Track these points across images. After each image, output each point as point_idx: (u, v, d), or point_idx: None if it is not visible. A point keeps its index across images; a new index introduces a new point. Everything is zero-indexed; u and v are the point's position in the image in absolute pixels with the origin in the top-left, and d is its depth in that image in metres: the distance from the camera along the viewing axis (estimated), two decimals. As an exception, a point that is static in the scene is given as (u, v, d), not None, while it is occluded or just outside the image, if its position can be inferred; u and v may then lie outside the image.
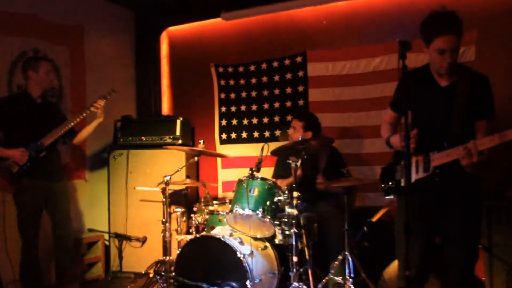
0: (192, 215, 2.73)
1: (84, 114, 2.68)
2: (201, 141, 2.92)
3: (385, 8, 3.07)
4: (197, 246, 2.38)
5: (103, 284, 3.16)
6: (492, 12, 2.75)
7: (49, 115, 2.68)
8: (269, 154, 2.39)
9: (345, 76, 3.17)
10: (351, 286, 2.33)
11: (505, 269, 2.20)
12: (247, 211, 2.28)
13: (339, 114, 3.19)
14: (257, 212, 2.27)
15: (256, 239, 2.42)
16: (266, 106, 3.50)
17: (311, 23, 3.32)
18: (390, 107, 2.03)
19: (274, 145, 2.46)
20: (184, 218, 2.86)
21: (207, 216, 2.68)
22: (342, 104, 3.18)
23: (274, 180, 2.49)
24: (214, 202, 2.87)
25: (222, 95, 3.65)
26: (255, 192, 2.32)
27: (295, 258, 2.23)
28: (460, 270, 1.77)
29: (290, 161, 2.31)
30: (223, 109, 3.65)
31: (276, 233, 2.35)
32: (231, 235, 2.37)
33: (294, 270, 2.23)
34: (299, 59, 3.34)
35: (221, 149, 3.63)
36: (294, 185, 2.32)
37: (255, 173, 2.35)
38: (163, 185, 2.65)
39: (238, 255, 2.22)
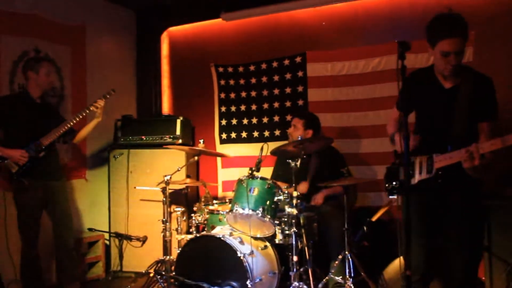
0: (192, 214, 2.73)
1: (84, 114, 2.69)
2: (201, 141, 2.93)
3: (384, 9, 3.09)
4: (197, 245, 2.39)
5: (103, 284, 3.17)
6: (489, 13, 2.77)
7: (49, 115, 2.69)
8: (268, 153, 2.41)
9: (344, 77, 3.19)
10: (351, 285, 2.34)
11: (505, 268, 2.20)
12: (247, 211, 2.28)
13: (338, 114, 3.21)
14: (257, 211, 2.28)
15: (256, 238, 2.43)
16: (265, 106, 3.51)
17: (310, 24, 3.34)
18: (396, 107, 2.04)
19: (273, 145, 2.47)
20: (184, 218, 2.86)
21: (207, 216, 2.69)
22: (341, 104, 3.20)
23: (274, 180, 2.50)
24: (214, 201, 2.87)
25: (222, 95, 3.66)
26: (255, 192, 2.33)
27: (295, 258, 2.24)
28: (463, 271, 1.78)
29: (290, 161, 2.32)
30: (223, 108, 3.66)
31: (276, 232, 2.36)
32: (231, 234, 2.37)
33: (294, 270, 2.25)
34: (298, 59, 3.36)
35: (221, 148, 3.64)
36: (294, 184, 2.33)
37: (255, 172, 2.36)
38: (163, 185, 2.66)
39: (239, 254, 2.23)
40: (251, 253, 2.28)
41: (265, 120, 3.52)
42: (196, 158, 2.90)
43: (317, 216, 2.58)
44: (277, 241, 2.37)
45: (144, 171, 3.33)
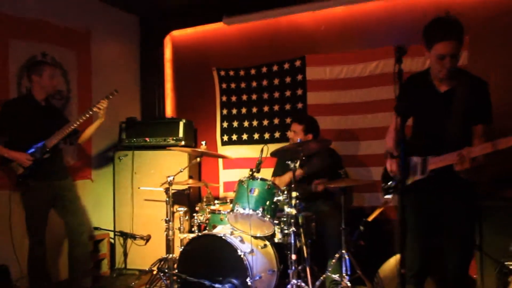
0: (194, 214, 2.77)
1: (87, 115, 2.71)
2: (203, 143, 2.93)
3: (381, 14, 3.12)
4: (199, 244, 2.42)
5: (108, 281, 3.20)
6: (484, 17, 2.80)
7: (53, 117, 2.72)
8: (268, 155, 2.44)
9: (342, 80, 3.22)
10: (348, 283, 2.37)
11: (495, 267, 2.23)
12: (248, 211, 2.32)
13: (337, 116, 3.24)
14: (257, 211, 2.32)
15: (256, 237, 2.46)
16: (266, 108, 3.55)
17: (310, 28, 3.37)
18: (395, 112, 2.02)
19: (273, 147, 2.50)
20: (187, 217, 2.88)
21: (209, 215, 2.71)
22: (339, 107, 3.23)
23: (272, 179, 2.54)
24: (216, 201, 2.90)
25: (224, 98, 3.70)
26: (255, 192, 2.36)
27: (293, 256, 2.27)
28: (455, 269, 1.82)
29: (289, 162, 2.37)
30: (225, 111, 3.70)
31: (276, 232, 2.40)
32: (232, 233, 2.41)
33: (293, 268, 2.28)
34: (298, 63, 3.39)
35: (222, 150, 3.67)
36: (293, 185, 2.38)
37: (255, 173, 2.40)
38: (166, 185, 2.69)
39: (239, 253, 2.27)
40: (251, 251, 2.32)
41: (265, 122, 3.56)
42: (198, 159, 2.92)
43: (315, 216, 2.60)
44: (276, 240, 2.40)
45: (148, 172, 3.36)
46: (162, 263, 2.79)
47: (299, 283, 2.27)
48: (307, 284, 2.31)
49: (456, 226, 1.80)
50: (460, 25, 1.70)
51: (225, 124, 3.71)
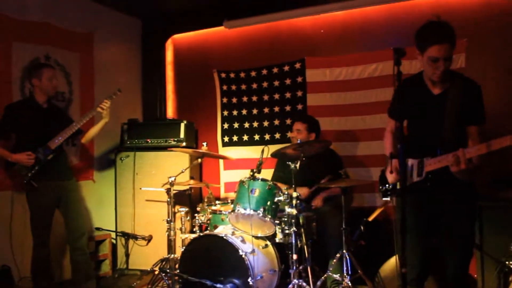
0: (195, 214, 2.78)
1: (90, 116, 2.73)
2: (205, 144, 2.96)
3: (380, 17, 3.15)
4: (200, 244, 2.44)
5: (110, 281, 3.21)
6: (481, 21, 2.83)
7: (56, 119, 2.73)
8: (269, 156, 2.46)
9: (342, 82, 3.25)
10: (349, 283, 2.37)
11: (496, 266, 2.24)
12: (249, 211, 2.33)
13: (336, 118, 3.26)
14: (258, 211, 2.33)
15: (257, 237, 2.47)
16: (266, 110, 3.57)
17: (309, 31, 3.40)
18: (389, 115, 2.08)
19: (274, 148, 2.53)
20: (188, 218, 2.89)
21: (210, 216, 2.72)
22: (339, 109, 3.26)
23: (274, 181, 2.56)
24: (217, 202, 2.90)
25: (224, 100, 3.73)
26: (256, 193, 2.38)
27: (294, 256, 2.29)
28: (455, 268, 1.83)
29: (289, 163, 2.39)
30: (225, 113, 3.73)
31: (277, 232, 2.41)
32: (233, 234, 2.42)
33: (294, 268, 2.29)
34: (298, 65, 3.42)
35: (223, 151, 3.69)
36: (293, 186, 2.41)
37: (256, 174, 2.41)
38: (168, 186, 2.71)
39: (240, 253, 2.28)
40: (253, 251, 2.33)
41: (265, 124, 3.58)
42: (199, 160, 2.95)
43: (316, 216, 2.62)
44: (277, 240, 2.42)
45: (150, 173, 3.38)
46: (163, 263, 2.80)
47: (300, 283, 2.29)
48: (308, 284, 2.32)
49: (456, 226, 1.81)
50: (452, 28, 1.72)
51: (226, 125, 3.73)
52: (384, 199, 2.00)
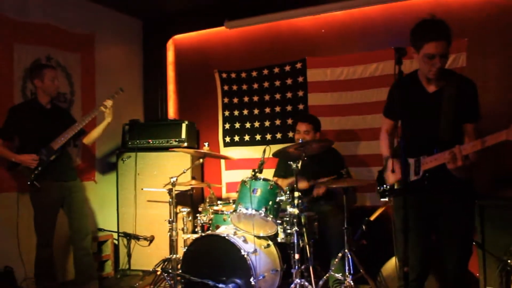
0: (197, 214, 2.78)
1: (93, 116, 2.74)
2: (206, 144, 2.96)
3: (380, 17, 3.16)
4: (202, 244, 2.45)
5: (112, 282, 3.22)
6: (482, 20, 2.83)
7: (60, 120, 2.75)
8: (270, 156, 2.47)
9: (343, 82, 3.25)
10: (351, 282, 2.38)
11: (498, 265, 2.24)
12: (251, 211, 2.34)
13: (337, 117, 3.27)
14: (260, 211, 2.34)
15: (259, 237, 2.48)
16: (267, 110, 3.58)
17: (310, 31, 3.41)
18: (384, 115, 2.09)
19: (275, 148, 2.53)
20: (190, 218, 2.90)
21: (212, 216, 2.73)
22: (340, 108, 3.26)
23: (275, 179, 2.57)
24: (219, 202, 2.92)
25: (226, 100, 3.74)
26: (258, 193, 2.39)
27: (296, 256, 2.29)
28: (455, 266, 1.83)
29: (291, 162, 2.39)
30: (227, 113, 3.73)
31: (279, 231, 2.42)
32: (235, 234, 2.42)
33: (296, 267, 2.29)
34: (299, 65, 3.43)
35: (224, 151, 3.70)
36: (295, 185, 2.40)
37: (257, 174, 2.42)
38: (169, 186, 2.71)
39: (242, 253, 2.29)
40: (255, 251, 2.33)
41: (267, 123, 3.59)
42: (201, 160, 2.94)
43: (318, 215, 2.62)
44: (279, 239, 2.42)
45: (151, 173, 3.39)
46: (165, 263, 2.81)
47: (302, 283, 2.29)
48: (310, 283, 2.32)
49: (455, 225, 1.82)
50: (447, 26, 1.73)
51: (227, 126, 3.74)
52: (382, 200, 2.00)
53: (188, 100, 3.99)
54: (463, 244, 1.84)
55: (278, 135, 3.54)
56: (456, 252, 1.83)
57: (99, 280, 2.99)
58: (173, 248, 2.72)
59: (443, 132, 1.78)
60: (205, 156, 2.95)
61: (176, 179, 2.72)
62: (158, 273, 2.80)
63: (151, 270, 2.93)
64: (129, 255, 3.33)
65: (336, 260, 2.48)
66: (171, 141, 3.40)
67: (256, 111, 3.63)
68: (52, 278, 2.72)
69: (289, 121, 3.47)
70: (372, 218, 2.58)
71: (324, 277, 2.48)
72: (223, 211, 2.73)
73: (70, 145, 2.86)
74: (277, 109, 3.54)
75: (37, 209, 2.65)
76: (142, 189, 3.32)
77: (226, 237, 2.36)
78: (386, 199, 1.99)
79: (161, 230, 3.17)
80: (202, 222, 2.75)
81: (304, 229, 2.35)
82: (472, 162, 1.67)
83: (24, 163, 2.54)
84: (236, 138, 3.70)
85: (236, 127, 3.70)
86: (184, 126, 3.41)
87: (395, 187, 1.92)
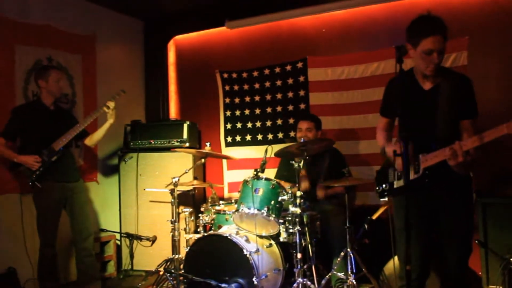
0: (199, 214, 2.79)
1: (94, 116, 2.74)
2: (208, 144, 2.97)
3: (381, 16, 3.16)
4: (205, 244, 2.45)
5: (115, 282, 3.22)
6: (483, 19, 2.83)
7: (63, 121, 2.75)
8: (272, 155, 2.47)
9: (344, 81, 3.26)
10: (353, 281, 2.38)
11: (500, 263, 2.25)
12: (253, 210, 2.35)
13: (339, 116, 3.27)
14: (262, 211, 2.34)
15: (261, 237, 2.48)
16: (269, 110, 3.58)
17: (311, 30, 3.41)
18: (381, 114, 2.08)
19: (277, 147, 2.53)
20: (192, 218, 2.91)
21: (214, 216, 2.74)
22: (341, 107, 3.26)
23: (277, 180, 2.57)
24: (221, 202, 2.92)
25: (227, 100, 3.74)
26: (260, 192, 2.39)
27: (299, 255, 2.29)
28: (456, 263, 1.83)
29: (293, 162, 2.39)
30: (228, 113, 3.74)
31: (281, 231, 2.42)
32: (237, 233, 2.43)
33: (299, 267, 2.30)
34: (300, 65, 3.43)
35: (226, 151, 3.70)
36: (297, 185, 2.40)
37: (259, 174, 2.43)
38: (171, 186, 2.72)
39: (245, 252, 2.29)
40: (257, 251, 2.34)
41: (268, 123, 3.59)
42: (202, 160, 2.95)
43: (320, 214, 2.62)
44: (281, 239, 2.43)
45: (153, 174, 3.39)
46: (168, 263, 2.82)
47: (304, 282, 2.29)
48: (313, 282, 2.33)
49: (455, 222, 1.81)
50: (443, 22, 1.73)
51: (228, 126, 3.74)
52: (381, 199, 2.00)
53: (190, 101, 3.99)
54: (463, 241, 1.84)
55: (280, 135, 3.55)
56: (457, 249, 1.83)
57: (101, 280, 3.00)
58: (175, 248, 2.73)
59: (441, 128, 1.77)
60: (207, 156, 2.95)
61: (178, 179, 2.72)
62: (161, 273, 2.81)
63: (153, 270, 2.93)
64: (131, 256, 3.34)
65: (339, 259, 2.48)
66: (173, 142, 3.40)
67: (257, 111, 3.63)
68: (55, 279, 2.73)
69: (291, 121, 3.48)
70: (374, 217, 2.58)
71: (327, 276, 2.48)
72: (225, 211, 2.74)
73: (72, 145, 2.87)
74: (279, 108, 3.55)
75: (39, 210, 2.65)
76: (144, 189, 3.33)
77: (228, 237, 2.37)
78: (386, 199, 1.98)
79: (164, 230, 3.19)
80: (204, 222, 2.76)
81: (306, 229, 2.36)
82: (473, 158, 1.65)
83: (26, 164, 2.55)
84: (238, 138, 3.71)
85: (237, 127, 3.71)
86: (185, 126, 3.42)
87: (395, 186, 1.92)
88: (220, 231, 2.54)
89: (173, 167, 3.30)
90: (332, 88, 3.31)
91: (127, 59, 3.92)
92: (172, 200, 2.74)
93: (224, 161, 3.74)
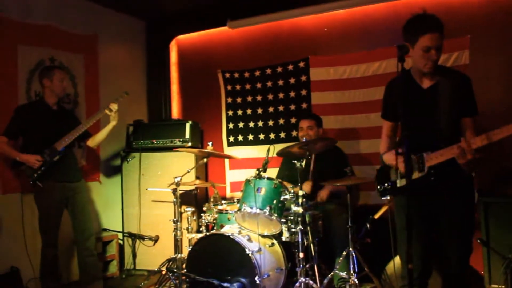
0: (202, 214, 2.80)
1: (97, 118, 2.75)
2: (210, 143, 2.98)
3: (383, 15, 3.16)
4: (207, 244, 2.46)
5: (118, 282, 3.24)
6: (485, 18, 2.83)
7: (65, 121, 2.76)
8: (274, 155, 2.48)
9: (346, 80, 3.26)
10: (355, 280, 2.38)
11: (502, 263, 2.25)
12: (255, 210, 2.35)
13: (341, 116, 3.27)
14: (265, 210, 2.34)
15: (263, 236, 2.48)
16: (271, 109, 3.59)
17: (312, 30, 3.42)
18: (382, 117, 2.08)
19: (279, 147, 2.55)
20: (195, 217, 2.91)
21: (216, 215, 2.74)
22: (343, 107, 3.27)
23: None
24: (223, 201, 2.92)
25: (229, 100, 3.75)
26: (262, 192, 2.39)
27: (301, 255, 2.30)
28: (457, 262, 1.83)
29: (295, 161, 2.40)
30: (230, 112, 3.74)
31: (283, 230, 2.42)
32: (239, 233, 2.43)
33: (301, 266, 2.30)
34: (302, 64, 3.43)
35: (228, 151, 3.70)
36: (299, 184, 2.41)
37: (262, 173, 2.43)
38: (174, 186, 2.73)
39: (247, 252, 2.30)
40: (259, 250, 2.34)
41: (270, 123, 3.59)
42: (205, 160, 2.96)
43: (322, 214, 2.63)
44: (283, 238, 2.43)
45: (155, 173, 3.40)
46: (170, 263, 2.82)
47: (307, 281, 2.29)
48: (315, 282, 2.33)
49: (457, 221, 1.81)
50: (439, 19, 1.73)
51: (231, 125, 3.75)
52: (383, 198, 1.99)
53: (192, 100, 4.00)
54: (464, 240, 1.83)
55: (282, 134, 3.55)
56: (457, 248, 1.82)
57: (104, 280, 3.00)
58: (178, 247, 2.73)
59: (442, 127, 1.77)
60: (209, 155, 2.96)
61: (181, 179, 2.73)
62: (163, 272, 2.82)
63: (156, 269, 2.94)
64: (134, 255, 3.35)
65: (341, 258, 2.48)
66: (175, 141, 3.41)
67: (259, 111, 3.64)
68: (57, 279, 2.74)
69: (293, 120, 3.48)
70: (376, 216, 2.58)
71: (329, 275, 2.48)
72: (227, 210, 2.74)
73: (75, 146, 2.87)
74: (281, 108, 3.55)
75: (41, 210, 2.66)
76: (146, 189, 3.34)
77: (231, 236, 2.37)
78: (388, 198, 1.98)
79: (166, 230, 3.20)
80: (206, 221, 2.76)
81: (308, 228, 2.37)
82: (481, 155, 1.65)
83: (28, 163, 2.55)
84: (240, 138, 3.71)
85: (239, 127, 3.71)
86: (188, 126, 3.43)
87: (398, 185, 1.91)
88: (222, 231, 2.54)
89: (175, 166, 3.30)
90: (334, 87, 3.31)
91: (129, 59, 3.92)
92: (175, 199, 2.75)
93: (226, 160, 3.74)
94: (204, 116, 3.82)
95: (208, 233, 2.56)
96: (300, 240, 2.32)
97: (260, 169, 2.44)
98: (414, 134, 1.75)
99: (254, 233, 2.46)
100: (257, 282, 2.26)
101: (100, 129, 2.97)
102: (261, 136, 3.63)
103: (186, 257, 2.55)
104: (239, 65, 3.69)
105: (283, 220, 2.41)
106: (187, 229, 2.84)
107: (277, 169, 3.10)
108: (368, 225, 2.52)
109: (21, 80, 2.95)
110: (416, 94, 1.84)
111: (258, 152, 3.61)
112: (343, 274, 2.46)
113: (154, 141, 3.46)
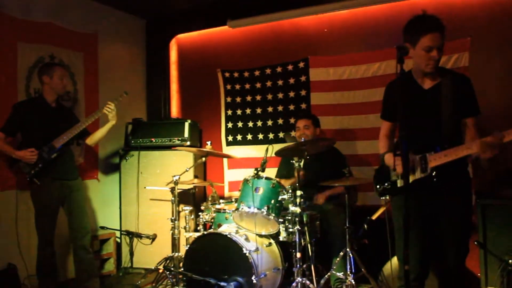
0: (199, 213, 2.80)
1: (96, 117, 2.75)
2: (209, 143, 2.99)
3: (383, 16, 3.16)
4: (204, 243, 2.46)
5: (115, 280, 3.23)
6: (485, 20, 2.83)
7: (64, 119, 2.75)
8: (273, 155, 2.47)
9: (345, 81, 3.26)
10: (352, 281, 2.38)
11: (499, 265, 2.25)
12: (253, 209, 2.35)
13: (340, 117, 3.27)
14: (262, 210, 2.35)
15: (261, 236, 2.49)
16: (270, 109, 3.59)
17: (313, 30, 3.42)
18: (381, 118, 2.09)
19: (278, 147, 2.53)
20: (192, 216, 2.91)
21: (214, 214, 2.74)
22: (343, 107, 3.27)
23: (277, 179, 2.58)
24: (221, 201, 2.93)
25: (228, 99, 3.75)
26: (260, 191, 2.40)
27: (298, 255, 2.30)
28: (454, 264, 1.84)
29: (294, 161, 2.40)
30: (229, 112, 3.74)
31: (280, 230, 2.43)
32: (237, 232, 2.43)
33: (298, 266, 2.31)
34: (301, 64, 3.43)
35: (227, 150, 3.71)
36: (297, 184, 2.41)
37: (260, 173, 2.43)
38: (172, 185, 2.73)
39: (244, 251, 2.30)
40: (256, 250, 2.34)
41: (269, 123, 3.59)
42: (203, 159, 2.96)
43: (320, 214, 2.63)
44: (281, 238, 2.43)
45: (154, 172, 3.40)
46: (168, 261, 2.83)
47: (304, 281, 2.30)
48: (312, 282, 2.33)
49: (454, 223, 1.81)
50: (440, 19, 1.75)
51: (230, 125, 3.75)
52: (382, 198, 1.99)
53: (191, 99, 4.00)
54: (461, 241, 1.84)
55: (281, 135, 3.55)
56: (455, 249, 1.83)
57: (101, 278, 3.00)
58: (175, 246, 2.74)
59: (444, 127, 1.77)
60: (207, 155, 2.96)
61: (179, 178, 2.73)
62: (160, 271, 2.82)
63: (153, 268, 2.94)
64: (131, 253, 3.34)
65: (338, 259, 2.49)
66: (174, 140, 3.41)
67: (258, 110, 3.64)
68: (54, 276, 2.73)
69: (292, 120, 3.47)
70: (374, 217, 2.58)
71: (326, 276, 2.48)
72: (225, 209, 2.74)
73: (73, 143, 2.87)
74: (280, 108, 3.55)
75: (37, 207, 2.65)
76: (144, 187, 3.34)
77: (228, 236, 2.37)
78: (387, 197, 1.98)
79: (164, 228, 3.19)
80: (204, 220, 2.76)
81: (306, 228, 2.36)
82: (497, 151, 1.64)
83: (24, 158, 2.53)
84: (239, 137, 3.71)
85: (238, 126, 3.71)
86: (187, 125, 3.43)
87: (398, 185, 1.91)
88: (220, 230, 2.54)
89: (174, 165, 3.30)
90: (333, 88, 3.31)
91: (129, 57, 3.92)
92: (173, 198, 2.75)
93: (225, 160, 3.74)
94: (203, 115, 3.82)
95: (205, 232, 2.56)
96: (297, 240, 2.32)
97: (259, 169, 2.44)
98: (415, 134, 1.77)
99: (251, 233, 2.46)
100: (254, 281, 2.26)
101: (99, 127, 2.97)
102: (260, 136, 3.63)
103: (183, 256, 2.55)
104: (239, 64, 3.69)
105: (280, 220, 2.42)
106: (185, 228, 2.84)
107: (276, 169, 3.10)
108: (365, 226, 2.51)
109: (21, 77, 2.95)
110: (417, 95, 1.84)
111: (256, 151, 3.61)
112: (340, 274, 2.46)
113: (153, 139, 3.46)
